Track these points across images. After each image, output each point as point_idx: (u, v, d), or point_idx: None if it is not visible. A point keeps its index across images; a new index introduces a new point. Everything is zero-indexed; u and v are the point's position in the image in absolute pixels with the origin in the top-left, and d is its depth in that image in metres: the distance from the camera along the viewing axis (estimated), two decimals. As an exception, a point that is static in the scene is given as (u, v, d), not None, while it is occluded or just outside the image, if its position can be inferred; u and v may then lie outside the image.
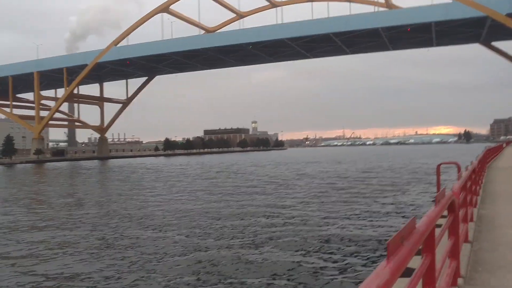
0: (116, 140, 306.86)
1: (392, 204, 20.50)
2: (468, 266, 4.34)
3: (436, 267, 2.75)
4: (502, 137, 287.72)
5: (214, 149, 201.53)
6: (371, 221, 16.02)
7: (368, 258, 10.20)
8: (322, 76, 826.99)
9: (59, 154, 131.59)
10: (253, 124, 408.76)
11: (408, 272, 1.98)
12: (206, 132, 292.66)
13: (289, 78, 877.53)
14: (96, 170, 70.46)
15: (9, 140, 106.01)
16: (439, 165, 9.49)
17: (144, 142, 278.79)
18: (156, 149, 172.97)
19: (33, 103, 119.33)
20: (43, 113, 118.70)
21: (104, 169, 71.96)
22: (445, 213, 3.23)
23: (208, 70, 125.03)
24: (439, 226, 3.11)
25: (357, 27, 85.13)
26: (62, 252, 12.74)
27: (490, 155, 25.58)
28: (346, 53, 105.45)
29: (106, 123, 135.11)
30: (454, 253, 3.57)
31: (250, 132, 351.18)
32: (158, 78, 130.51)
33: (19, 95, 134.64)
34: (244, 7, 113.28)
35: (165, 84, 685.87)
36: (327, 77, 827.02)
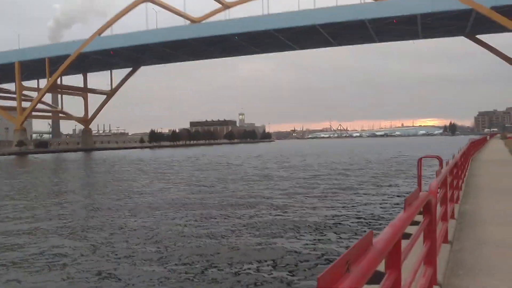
0: (101, 131, 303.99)
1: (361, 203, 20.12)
2: (446, 271, 3.90)
3: (406, 279, 2.30)
4: (486, 130, 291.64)
5: (201, 141, 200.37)
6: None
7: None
8: (310, 69, 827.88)
9: (42, 145, 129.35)
10: (240, 116, 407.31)
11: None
12: (193, 124, 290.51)
13: (277, 70, 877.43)
14: (76, 162, 69.30)
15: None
16: (420, 159, 9.05)
17: (130, 134, 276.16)
18: (141, 141, 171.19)
19: (15, 94, 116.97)
20: (26, 104, 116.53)
21: (84, 161, 70.83)
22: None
23: (195, 61, 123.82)
24: (415, 224, 2.67)
25: (343, 19, 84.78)
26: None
27: (474, 147, 25.45)
28: (333, 45, 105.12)
29: (90, 114, 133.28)
30: (429, 258, 3.13)
31: (237, 124, 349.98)
32: (145, 70, 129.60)
33: (0, 86, 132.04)
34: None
35: (152, 75, 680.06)
36: (315, 69, 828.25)
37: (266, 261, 9.91)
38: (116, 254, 11.18)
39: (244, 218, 15.74)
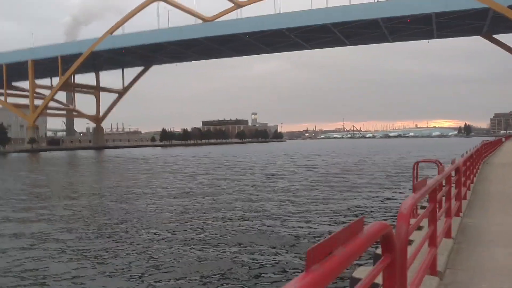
0: (114, 130, 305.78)
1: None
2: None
3: None
4: (502, 131, 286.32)
5: (212, 141, 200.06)
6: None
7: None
8: (324, 68, 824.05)
9: (54, 143, 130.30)
10: (253, 116, 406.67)
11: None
12: (205, 123, 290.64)
13: (291, 70, 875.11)
14: (81, 159, 69.27)
15: (1, 129, 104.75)
16: (416, 163, 7.98)
17: (143, 133, 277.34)
18: (153, 139, 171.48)
19: (28, 92, 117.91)
20: (39, 102, 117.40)
21: (88, 159, 70.67)
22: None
23: (209, 60, 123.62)
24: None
25: (356, 18, 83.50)
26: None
27: (487, 149, 24.32)
28: (345, 44, 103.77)
29: (102, 112, 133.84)
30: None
31: (250, 124, 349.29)
32: (159, 69, 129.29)
33: (15, 84, 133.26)
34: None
35: (166, 74, 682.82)
36: (329, 69, 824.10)
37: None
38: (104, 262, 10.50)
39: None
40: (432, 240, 3.42)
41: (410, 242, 4.42)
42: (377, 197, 20.16)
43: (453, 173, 5.88)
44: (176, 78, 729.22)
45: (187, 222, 15.24)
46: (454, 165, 5.42)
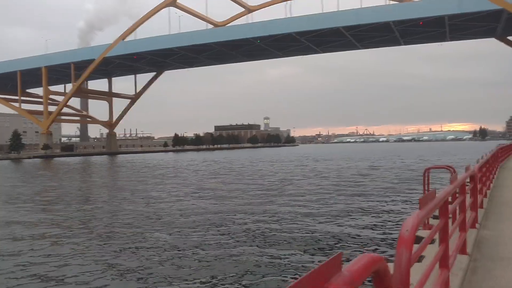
0: (128, 135, 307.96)
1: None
2: None
3: None
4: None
5: (224, 145, 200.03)
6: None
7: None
8: (336, 72, 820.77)
9: (68, 149, 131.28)
10: (265, 120, 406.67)
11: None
12: (217, 128, 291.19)
13: (303, 74, 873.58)
14: (92, 165, 69.50)
15: (16, 135, 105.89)
16: (427, 170, 7.43)
17: (156, 138, 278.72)
18: (165, 145, 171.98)
19: (42, 98, 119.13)
20: (53, 108, 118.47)
21: (100, 165, 70.90)
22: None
23: (222, 65, 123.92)
24: None
25: (367, 21, 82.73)
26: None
27: (503, 153, 23.58)
28: (357, 48, 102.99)
29: (115, 118, 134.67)
30: None
31: (262, 128, 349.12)
32: (172, 74, 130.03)
33: (29, 90, 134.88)
34: (253, 1, 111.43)
35: (179, 80, 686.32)
36: (341, 73, 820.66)
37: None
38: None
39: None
40: (444, 261, 2.98)
41: (420, 258, 3.97)
42: (382, 208, 19.52)
43: (468, 179, 5.42)
44: (189, 83, 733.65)
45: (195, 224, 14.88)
46: (468, 173, 4.94)
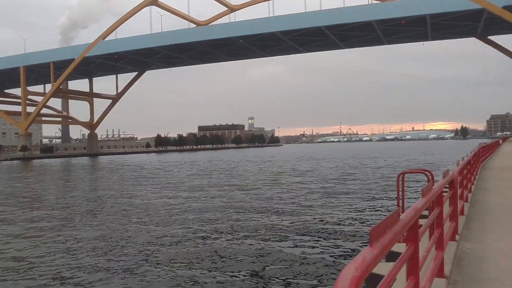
0: (110, 136, 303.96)
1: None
2: None
3: None
4: (498, 133, 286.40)
5: (208, 146, 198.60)
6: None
7: None
8: (320, 72, 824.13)
9: (47, 150, 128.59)
10: (249, 120, 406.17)
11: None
12: (201, 128, 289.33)
13: (288, 74, 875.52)
14: (68, 167, 67.97)
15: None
16: (402, 174, 6.64)
17: (139, 139, 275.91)
18: (148, 145, 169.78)
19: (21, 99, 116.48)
20: (33, 109, 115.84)
21: (77, 167, 69.41)
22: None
23: (206, 65, 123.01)
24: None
25: (350, 20, 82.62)
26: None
27: (484, 153, 23.26)
28: (340, 48, 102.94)
29: (96, 119, 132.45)
30: None
31: (246, 128, 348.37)
32: (155, 74, 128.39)
33: (7, 91, 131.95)
34: (236, 0, 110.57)
35: (163, 80, 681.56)
36: (325, 73, 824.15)
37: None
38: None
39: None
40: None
41: None
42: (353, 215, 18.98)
43: (447, 185, 4.77)
44: (173, 83, 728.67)
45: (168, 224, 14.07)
46: (446, 179, 4.26)
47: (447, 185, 4.81)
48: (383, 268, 3.26)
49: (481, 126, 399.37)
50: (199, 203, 21.89)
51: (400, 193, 6.43)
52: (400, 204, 6.33)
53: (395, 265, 2.04)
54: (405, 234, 2.39)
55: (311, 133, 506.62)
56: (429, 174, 5.95)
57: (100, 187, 32.30)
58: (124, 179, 39.14)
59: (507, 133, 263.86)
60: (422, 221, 3.32)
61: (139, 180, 37.92)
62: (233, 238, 13.35)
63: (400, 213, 2.21)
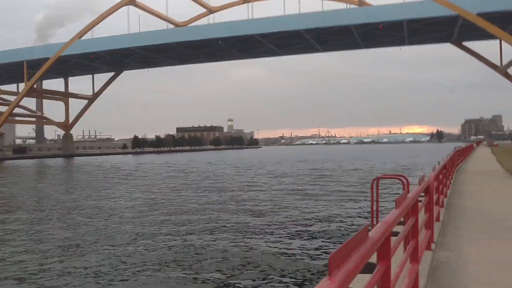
0: (86, 137, 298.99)
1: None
2: None
3: None
4: (472, 137, 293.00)
5: (186, 147, 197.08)
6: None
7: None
8: (300, 75, 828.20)
9: (20, 151, 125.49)
10: (229, 122, 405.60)
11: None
12: (179, 129, 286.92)
13: (268, 76, 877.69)
14: (36, 168, 66.37)
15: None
16: (376, 180, 6.32)
17: (116, 140, 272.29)
18: (124, 147, 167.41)
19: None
20: (5, 109, 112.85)
21: (47, 168, 67.86)
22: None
23: (185, 67, 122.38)
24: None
25: (328, 24, 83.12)
26: None
27: (459, 156, 23.46)
28: (319, 51, 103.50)
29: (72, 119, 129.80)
30: None
31: (226, 130, 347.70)
32: (134, 75, 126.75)
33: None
34: (215, 2, 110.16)
35: (141, 81, 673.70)
36: (305, 75, 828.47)
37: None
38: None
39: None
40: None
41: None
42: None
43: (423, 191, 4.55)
44: (152, 84, 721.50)
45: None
46: (421, 186, 4.00)
47: (423, 192, 4.59)
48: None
49: (456, 130, 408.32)
50: (167, 206, 21.41)
51: (375, 199, 6.17)
52: (374, 212, 6.05)
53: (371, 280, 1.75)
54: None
55: (290, 136, 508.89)
56: (404, 180, 5.73)
57: (66, 189, 31.44)
58: (93, 181, 38.26)
59: (481, 137, 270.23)
60: (397, 228, 3.07)
61: (107, 181, 37.12)
62: (202, 239, 12.98)
63: (370, 228, 1.92)
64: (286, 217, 16.99)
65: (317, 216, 17.20)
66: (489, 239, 5.77)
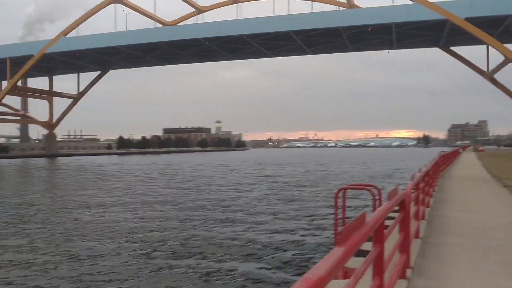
0: (72, 137, 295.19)
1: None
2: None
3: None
4: (458, 142, 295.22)
5: (172, 149, 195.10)
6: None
7: None
8: (289, 77, 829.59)
9: (2, 150, 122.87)
10: (217, 124, 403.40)
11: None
12: (166, 130, 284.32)
13: (256, 78, 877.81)
14: (23, 168, 64.76)
15: None
16: (343, 191, 5.26)
17: (102, 140, 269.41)
18: (109, 147, 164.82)
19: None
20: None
21: (30, 168, 66.28)
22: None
23: (172, 66, 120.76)
24: None
25: (317, 26, 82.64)
26: None
27: (445, 161, 22.81)
28: (307, 53, 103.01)
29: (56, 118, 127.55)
30: None
31: (214, 132, 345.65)
32: (122, 76, 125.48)
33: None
34: (204, 2, 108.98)
35: (129, 81, 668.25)
36: (294, 78, 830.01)
37: None
38: None
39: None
40: None
41: None
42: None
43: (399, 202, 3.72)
44: (140, 85, 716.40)
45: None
46: (392, 203, 3.12)
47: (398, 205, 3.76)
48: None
49: (442, 135, 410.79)
50: (148, 209, 20.44)
51: (342, 212, 5.23)
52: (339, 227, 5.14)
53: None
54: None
55: (278, 138, 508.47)
56: (375, 191, 4.81)
57: (39, 191, 30.26)
58: (67, 183, 37.07)
59: (467, 142, 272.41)
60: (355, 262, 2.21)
61: (83, 182, 35.97)
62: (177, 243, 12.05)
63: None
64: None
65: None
66: (476, 260, 4.94)
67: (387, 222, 4.64)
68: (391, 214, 4.24)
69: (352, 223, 1.77)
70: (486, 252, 5.34)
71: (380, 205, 3.36)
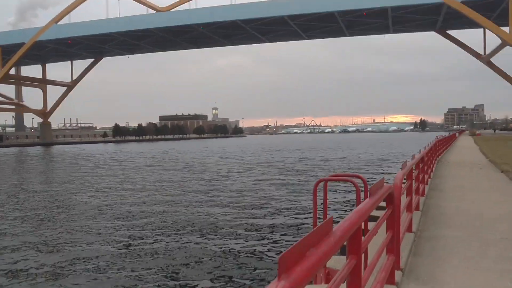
0: (68, 125, 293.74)
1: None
2: None
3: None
4: (455, 126, 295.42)
5: (168, 136, 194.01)
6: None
7: None
8: (286, 64, 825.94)
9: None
10: (213, 111, 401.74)
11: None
12: (162, 118, 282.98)
13: (253, 65, 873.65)
14: (17, 157, 64.06)
15: None
16: (324, 183, 4.54)
17: (98, 128, 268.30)
18: (105, 135, 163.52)
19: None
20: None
21: (23, 156, 65.56)
22: None
23: (168, 53, 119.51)
24: None
25: (312, 10, 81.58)
26: None
27: (441, 146, 22.32)
28: (303, 38, 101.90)
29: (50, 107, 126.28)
30: None
31: (210, 119, 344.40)
32: (118, 63, 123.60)
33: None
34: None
35: (126, 68, 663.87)
36: (290, 64, 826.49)
37: None
38: None
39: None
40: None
41: None
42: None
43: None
44: (137, 72, 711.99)
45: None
46: (376, 198, 2.56)
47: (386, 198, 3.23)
48: None
49: (439, 119, 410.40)
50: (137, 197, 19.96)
51: (322, 205, 4.63)
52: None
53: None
54: None
55: (275, 125, 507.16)
56: (360, 183, 4.19)
57: (33, 181, 29.72)
58: (56, 172, 36.52)
59: (463, 126, 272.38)
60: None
61: (77, 171, 35.43)
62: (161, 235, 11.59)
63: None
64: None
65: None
66: (474, 257, 4.41)
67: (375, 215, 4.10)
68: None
69: (300, 243, 1.26)
70: (486, 247, 4.81)
71: (366, 198, 2.82)
